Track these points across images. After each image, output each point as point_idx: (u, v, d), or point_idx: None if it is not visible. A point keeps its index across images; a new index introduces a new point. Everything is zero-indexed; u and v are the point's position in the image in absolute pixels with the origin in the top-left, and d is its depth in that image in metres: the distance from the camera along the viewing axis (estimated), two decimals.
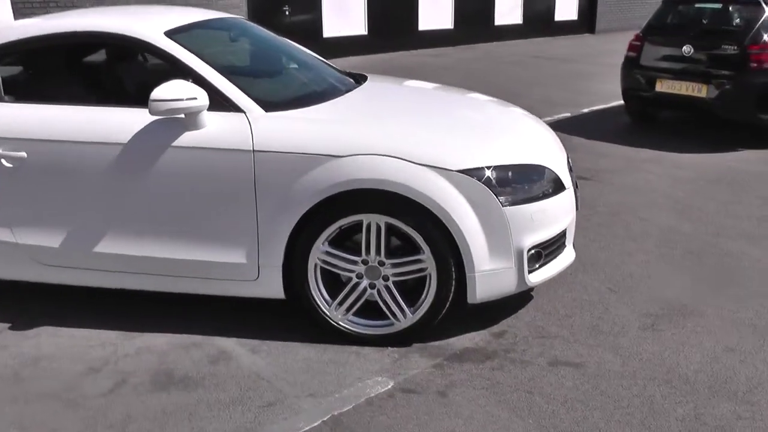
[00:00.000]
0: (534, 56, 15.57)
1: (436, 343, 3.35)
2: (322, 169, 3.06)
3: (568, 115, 8.78)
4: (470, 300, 3.20)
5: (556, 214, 3.34)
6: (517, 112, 3.99)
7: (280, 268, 3.22)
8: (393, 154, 3.05)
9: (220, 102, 3.19)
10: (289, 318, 3.52)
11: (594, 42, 19.32)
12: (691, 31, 7.25)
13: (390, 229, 3.14)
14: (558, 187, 3.37)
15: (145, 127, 3.17)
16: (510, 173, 3.19)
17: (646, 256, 4.41)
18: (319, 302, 3.28)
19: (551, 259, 3.43)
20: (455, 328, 3.44)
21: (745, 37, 6.90)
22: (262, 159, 3.10)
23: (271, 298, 3.33)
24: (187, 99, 3.04)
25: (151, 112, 3.02)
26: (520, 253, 3.19)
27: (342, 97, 3.65)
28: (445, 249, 3.10)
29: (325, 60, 4.46)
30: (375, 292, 3.25)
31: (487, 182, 3.10)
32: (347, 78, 4.21)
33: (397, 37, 15.82)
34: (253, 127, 3.14)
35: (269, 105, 3.25)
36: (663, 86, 7.37)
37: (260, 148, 3.10)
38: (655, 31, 7.64)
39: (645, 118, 8.30)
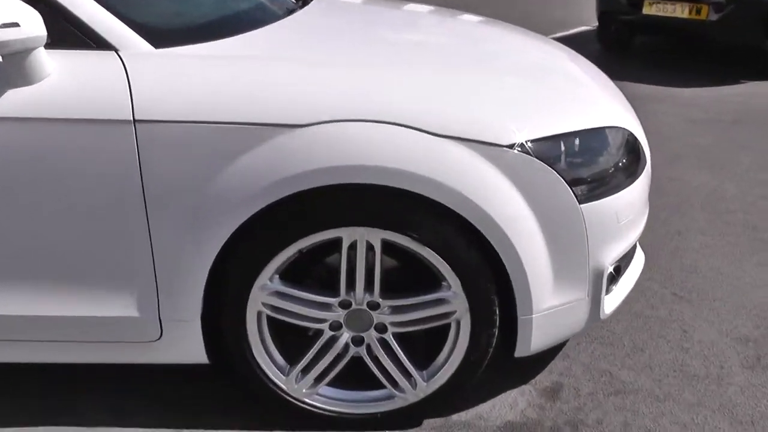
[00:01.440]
0: None
1: (461, 415, 2.10)
2: (266, 149, 1.69)
3: None
4: (520, 353, 1.95)
5: (642, 203, 2.11)
6: (557, 48, 2.66)
7: (199, 320, 1.86)
8: (396, 120, 1.70)
9: (69, 32, 1.73)
10: (219, 384, 2.19)
11: None
12: None
13: (387, 248, 1.82)
14: (640, 160, 2.12)
15: None
16: (580, 145, 1.90)
17: (703, 237, 3.25)
18: (267, 371, 1.95)
19: (623, 273, 2.20)
20: (481, 382, 2.19)
21: None
22: (152, 135, 1.68)
23: (186, 364, 1.99)
24: (2, 25, 1.57)
25: None
26: (598, 275, 1.94)
27: (285, 20, 2.22)
28: (485, 281, 1.81)
29: None
30: (363, 348, 1.95)
31: (555, 163, 1.81)
32: None
33: None
34: (131, 77, 1.70)
35: (161, 36, 1.81)
36: (652, 8, 6.18)
37: (146, 115, 1.68)
38: None
39: (620, 46, 7.14)
